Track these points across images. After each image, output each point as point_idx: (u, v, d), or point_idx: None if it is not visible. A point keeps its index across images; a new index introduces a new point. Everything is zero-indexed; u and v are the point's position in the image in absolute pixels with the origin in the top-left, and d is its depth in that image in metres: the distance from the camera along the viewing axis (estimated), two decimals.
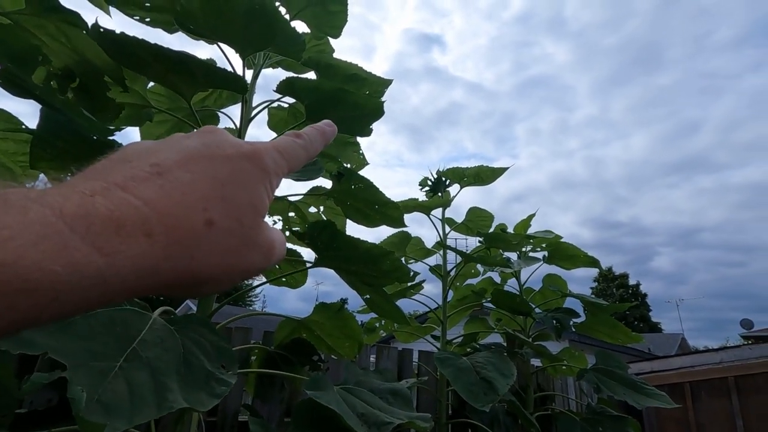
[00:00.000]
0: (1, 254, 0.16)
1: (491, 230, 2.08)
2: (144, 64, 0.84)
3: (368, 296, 1.14)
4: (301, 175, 0.89)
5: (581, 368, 1.80)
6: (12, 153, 0.89)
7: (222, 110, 1.29)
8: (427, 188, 2.04)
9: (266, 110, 1.32)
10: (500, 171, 1.92)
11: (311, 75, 1.20)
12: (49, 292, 0.17)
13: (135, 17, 0.99)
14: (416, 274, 1.06)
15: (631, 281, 33.74)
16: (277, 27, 0.88)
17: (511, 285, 2.24)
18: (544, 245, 2.14)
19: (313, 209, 1.35)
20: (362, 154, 1.32)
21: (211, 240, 0.23)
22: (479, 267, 2.14)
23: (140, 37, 0.78)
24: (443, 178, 2.00)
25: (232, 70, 0.99)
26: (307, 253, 1.13)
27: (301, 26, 1.18)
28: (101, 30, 0.75)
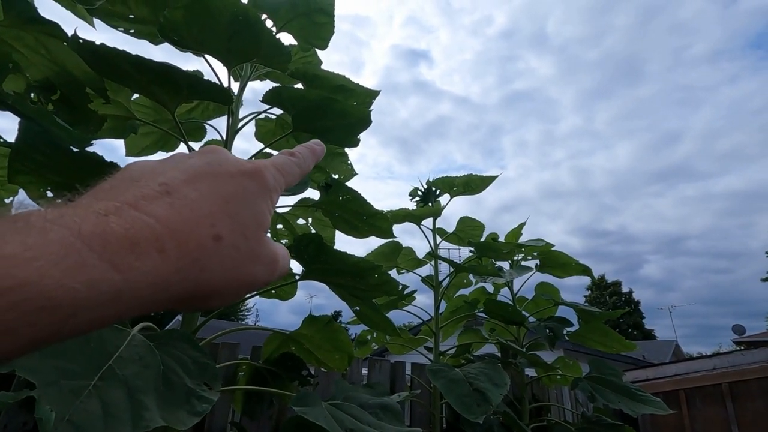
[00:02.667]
0: (26, 273, 0.17)
1: (482, 239, 2.08)
2: (126, 75, 0.84)
3: (358, 308, 1.12)
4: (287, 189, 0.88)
5: (575, 377, 1.79)
6: None
7: (209, 122, 1.28)
8: (417, 198, 2.04)
9: (254, 122, 1.31)
10: (489, 180, 1.92)
11: (299, 86, 1.20)
12: (69, 308, 0.18)
13: (119, 29, 0.98)
14: (405, 287, 1.05)
15: (624, 289, 33.93)
16: (262, 38, 0.87)
17: (504, 294, 2.23)
18: (535, 254, 2.14)
19: (301, 221, 1.33)
20: (350, 164, 1.31)
21: (219, 254, 0.24)
22: (471, 277, 2.13)
23: (123, 48, 0.77)
24: (433, 188, 2.00)
25: (218, 82, 0.98)
26: (297, 266, 1.11)
27: (287, 38, 1.18)
28: (81, 41, 0.74)
